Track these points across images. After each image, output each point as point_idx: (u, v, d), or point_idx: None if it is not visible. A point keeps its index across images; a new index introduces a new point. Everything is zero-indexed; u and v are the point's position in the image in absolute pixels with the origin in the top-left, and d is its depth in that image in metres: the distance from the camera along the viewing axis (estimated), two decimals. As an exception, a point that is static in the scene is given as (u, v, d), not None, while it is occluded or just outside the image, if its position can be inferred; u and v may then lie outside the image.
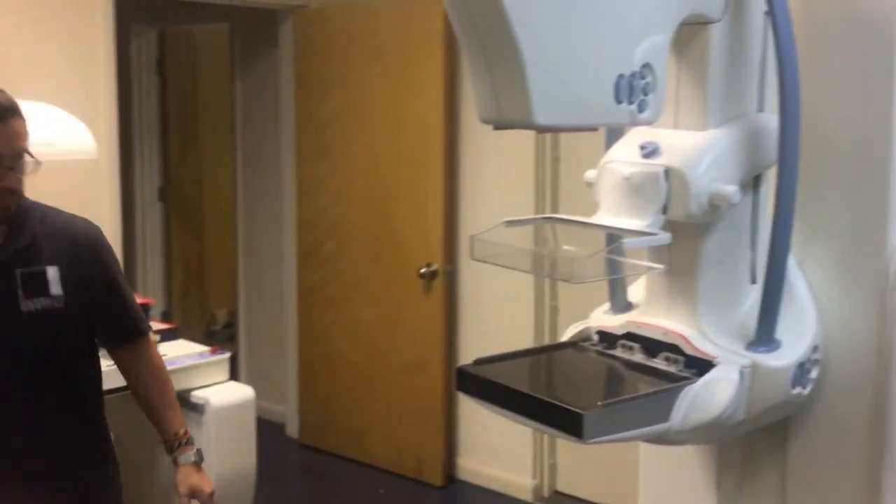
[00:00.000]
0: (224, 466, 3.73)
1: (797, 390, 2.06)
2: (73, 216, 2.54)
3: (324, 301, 5.56)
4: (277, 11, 5.65)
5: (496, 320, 5.00)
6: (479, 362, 2.17)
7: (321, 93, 5.44)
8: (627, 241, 1.96)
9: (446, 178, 5.01)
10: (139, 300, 4.16)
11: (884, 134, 2.05)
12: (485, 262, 2.18)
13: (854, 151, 2.11)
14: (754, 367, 2.01)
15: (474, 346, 5.06)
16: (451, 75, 4.97)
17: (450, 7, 1.81)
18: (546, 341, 4.83)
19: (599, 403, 1.91)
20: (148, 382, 2.63)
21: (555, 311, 4.91)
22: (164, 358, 3.74)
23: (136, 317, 2.62)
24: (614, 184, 2.09)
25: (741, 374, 1.99)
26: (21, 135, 2.31)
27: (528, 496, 4.98)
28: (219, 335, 6.41)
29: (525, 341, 4.78)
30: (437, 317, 5.10)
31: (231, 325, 6.83)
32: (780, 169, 1.98)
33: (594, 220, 2.16)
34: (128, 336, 2.60)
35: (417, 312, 5.14)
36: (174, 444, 2.58)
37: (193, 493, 2.53)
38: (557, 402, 1.94)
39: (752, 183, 2.12)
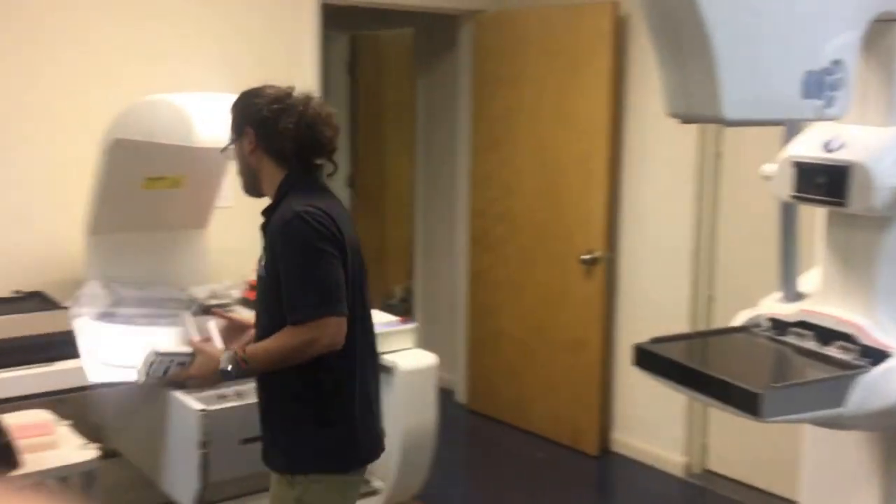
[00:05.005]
0: (409, 423, 3.77)
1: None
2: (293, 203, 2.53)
3: (492, 283, 5.53)
4: (458, 16, 5.64)
5: (652, 306, 4.88)
6: (656, 341, 2.10)
7: (495, 91, 5.41)
8: None
9: (610, 171, 4.91)
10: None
11: None
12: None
13: None
14: (933, 358, 1.88)
15: (631, 328, 4.96)
16: (618, 74, 4.86)
17: (644, 3, 1.74)
18: (701, 328, 4.68)
19: (777, 385, 1.82)
20: None
21: (711, 300, 4.75)
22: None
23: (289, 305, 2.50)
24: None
25: (920, 364, 1.87)
26: None
27: (678, 472, 4.85)
28: (395, 308, 6.45)
29: (679, 327, 4.64)
30: (597, 300, 5.01)
31: (406, 300, 6.89)
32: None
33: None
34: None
35: (578, 295, 5.07)
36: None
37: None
38: (736, 382, 1.85)
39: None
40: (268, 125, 2.55)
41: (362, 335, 2.59)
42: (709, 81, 1.69)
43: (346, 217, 2.58)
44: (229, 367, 2.47)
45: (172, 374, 2.55)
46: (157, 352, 2.55)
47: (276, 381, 2.56)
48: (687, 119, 1.82)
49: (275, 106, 2.54)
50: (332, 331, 2.43)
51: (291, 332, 2.44)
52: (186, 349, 2.56)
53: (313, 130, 2.54)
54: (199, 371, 2.53)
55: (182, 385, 2.73)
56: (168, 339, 3.28)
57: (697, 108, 1.76)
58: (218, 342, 2.73)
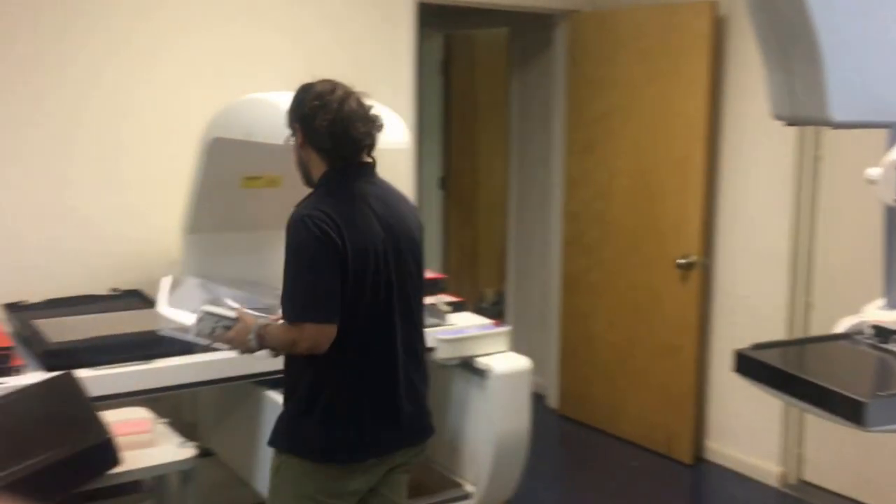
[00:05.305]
0: (502, 427, 3.79)
1: None
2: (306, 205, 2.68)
3: (586, 286, 5.53)
4: (552, 16, 5.65)
5: (749, 312, 4.83)
6: (757, 347, 2.10)
7: (590, 92, 5.40)
8: None
9: (706, 175, 4.87)
10: (433, 275, 4.30)
11: None
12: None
13: None
14: None
15: (726, 335, 4.92)
16: (716, 75, 4.81)
17: (750, 5, 1.74)
18: (798, 335, 4.61)
19: (883, 393, 1.80)
20: None
21: (809, 307, 4.67)
22: (452, 327, 3.92)
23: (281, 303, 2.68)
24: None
25: None
26: None
27: (773, 482, 4.79)
28: (487, 311, 6.47)
29: (776, 334, 4.58)
30: (692, 305, 4.97)
31: (498, 303, 6.91)
32: None
33: None
34: None
35: (673, 300, 5.04)
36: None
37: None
38: (840, 390, 1.84)
39: None
40: (309, 121, 2.67)
41: (367, 341, 2.67)
42: (816, 84, 1.69)
43: (367, 223, 2.64)
44: (253, 338, 2.67)
45: (217, 334, 2.75)
46: (205, 310, 2.77)
47: (286, 364, 2.76)
48: (792, 121, 1.82)
49: (315, 102, 2.65)
50: (310, 336, 2.58)
51: (285, 327, 2.64)
52: (232, 314, 2.75)
53: (347, 127, 2.64)
54: (235, 335, 2.72)
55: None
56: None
57: (803, 110, 1.76)
58: None
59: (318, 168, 2.72)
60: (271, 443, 2.76)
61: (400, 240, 2.71)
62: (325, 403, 2.66)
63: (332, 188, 2.68)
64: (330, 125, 2.63)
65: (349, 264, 2.57)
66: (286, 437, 2.73)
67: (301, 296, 2.59)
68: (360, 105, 2.68)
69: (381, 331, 2.69)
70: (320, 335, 2.58)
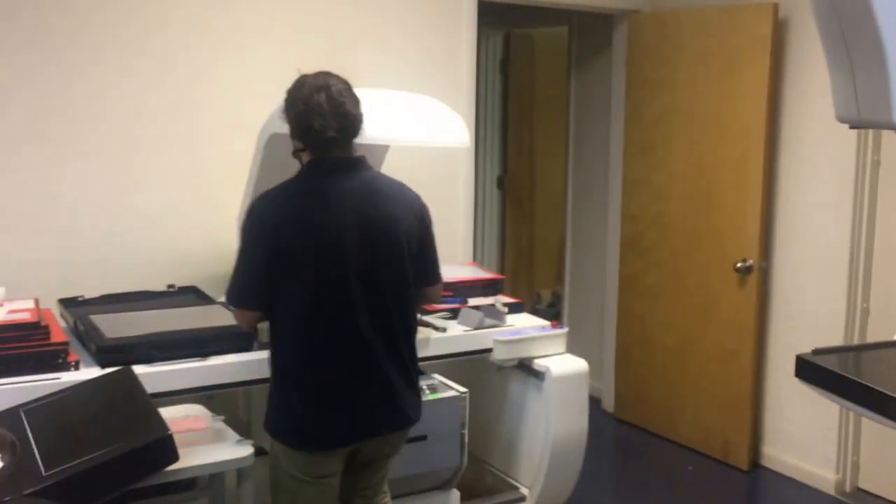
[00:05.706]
0: (559, 429, 3.80)
1: None
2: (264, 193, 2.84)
3: (643, 289, 5.50)
4: (612, 16, 5.64)
5: (806, 317, 4.78)
6: (818, 352, 2.08)
7: (650, 92, 5.37)
8: None
9: (765, 178, 4.83)
10: (491, 276, 4.31)
11: None
12: None
13: None
14: None
15: (784, 340, 4.88)
16: (776, 79, 4.77)
17: (815, 6, 1.73)
18: (855, 341, 4.56)
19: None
20: None
21: (865, 312, 4.61)
22: (511, 328, 3.92)
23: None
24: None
25: None
26: None
27: (830, 490, 4.74)
28: (543, 313, 6.45)
29: (834, 340, 4.53)
30: (750, 310, 4.93)
31: (554, 305, 6.89)
32: None
33: None
34: None
35: (731, 304, 5.00)
36: None
37: None
38: (901, 398, 1.82)
39: None
40: (286, 112, 2.75)
41: (325, 334, 2.69)
42: (881, 87, 1.67)
43: (322, 218, 2.67)
44: None
45: None
46: None
47: None
48: (857, 124, 1.80)
49: (295, 94, 2.72)
50: (236, 315, 2.86)
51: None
52: None
53: (309, 120, 2.67)
54: None
55: None
56: None
57: (868, 114, 1.74)
58: None
59: (305, 159, 2.78)
60: (265, 425, 2.86)
61: (370, 235, 2.71)
62: (292, 385, 2.74)
63: (296, 180, 2.75)
64: (296, 117, 2.69)
65: (288, 257, 2.64)
66: (267, 420, 2.84)
67: (234, 280, 2.76)
68: (331, 99, 2.67)
69: (340, 323, 2.70)
70: (241, 317, 2.81)
